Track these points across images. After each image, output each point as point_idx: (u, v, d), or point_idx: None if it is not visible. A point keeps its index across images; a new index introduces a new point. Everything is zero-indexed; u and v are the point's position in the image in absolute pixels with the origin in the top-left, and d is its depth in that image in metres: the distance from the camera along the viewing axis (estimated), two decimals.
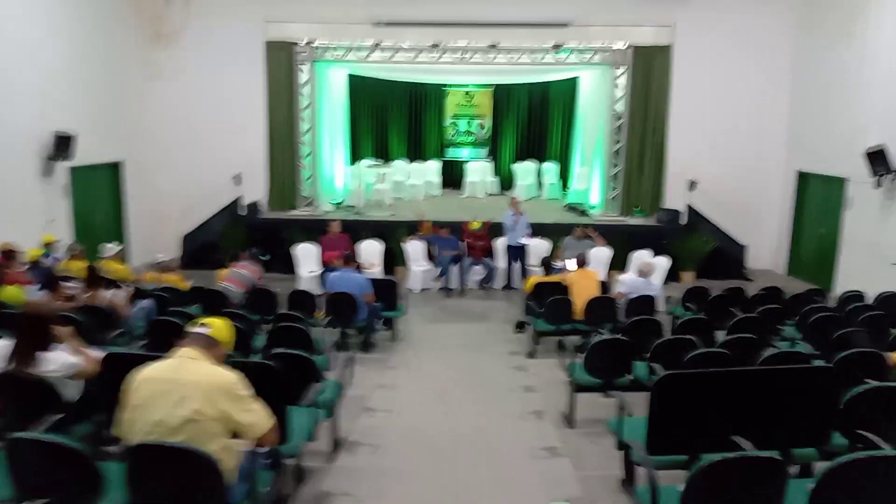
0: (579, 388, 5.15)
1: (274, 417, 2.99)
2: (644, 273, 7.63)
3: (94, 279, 6.85)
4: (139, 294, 7.23)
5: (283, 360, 4.13)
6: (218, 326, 3.07)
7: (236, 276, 7.94)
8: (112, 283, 7.35)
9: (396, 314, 8.46)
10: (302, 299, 7.60)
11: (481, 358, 7.57)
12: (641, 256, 10.92)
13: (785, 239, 13.09)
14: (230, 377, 2.90)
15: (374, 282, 8.32)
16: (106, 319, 6.08)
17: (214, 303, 7.57)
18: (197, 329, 3.03)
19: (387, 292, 8.28)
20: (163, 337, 5.08)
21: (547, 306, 7.47)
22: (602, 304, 7.52)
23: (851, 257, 11.17)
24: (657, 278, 7.74)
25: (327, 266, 8.29)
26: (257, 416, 2.92)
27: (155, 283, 8.28)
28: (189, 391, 2.78)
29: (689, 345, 5.04)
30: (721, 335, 6.07)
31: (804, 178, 12.71)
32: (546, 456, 4.43)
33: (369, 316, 7.62)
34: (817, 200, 12.39)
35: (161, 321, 5.42)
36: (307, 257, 11.26)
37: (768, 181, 13.21)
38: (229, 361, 3.23)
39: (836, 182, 11.57)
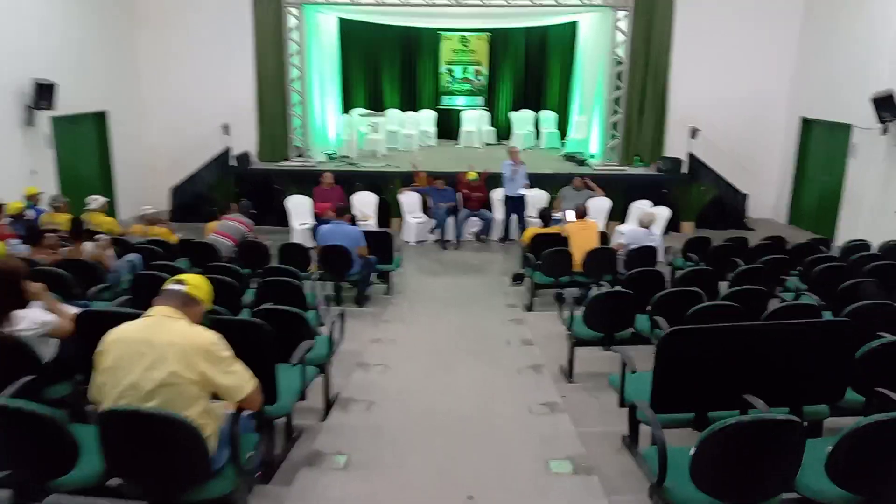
0: (578, 342, 5.00)
1: (256, 379, 2.80)
2: (644, 223, 7.42)
3: (78, 232, 6.62)
4: (125, 247, 7.01)
5: (273, 317, 3.94)
6: (195, 283, 2.85)
7: (226, 229, 7.71)
8: (96, 236, 7.14)
9: (391, 267, 8.27)
10: (294, 253, 7.38)
11: (478, 311, 7.42)
12: (641, 206, 10.71)
13: (787, 188, 12.85)
14: (209, 337, 2.70)
15: (368, 234, 8.10)
16: (90, 273, 5.87)
17: (203, 256, 7.36)
18: (172, 286, 2.81)
19: (381, 245, 8.07)
20: (147, 292, 4.83)
21: (545, 258, 7.28)
22: (601, 256, 7.34)
23: (855, 206, 10.96)
24: (657, 228, 7.54)
25: (320, 218, 8.04)
26: (238, 379, 2.73)
27: (142, 237, 8.05)
28: (165, 352, 2.58)
29: (692, 297, 4.86)
30: (724, 287, 5.91)
31: (808, 125, 12.40)
32: (545, 412, 4.30)
33: (363, 269, 7.42)
34: (821, 148, 12.11)
35: (145, 275, 5.21)
36: (299, 209, 11.01)
37: (771, 128, 12.92)
38: (214, 319, 3.04)
39: (841, 129, 11.28)
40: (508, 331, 6.43)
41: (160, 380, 2.56)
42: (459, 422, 4.23)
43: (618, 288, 5.00)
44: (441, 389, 4.79)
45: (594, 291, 5.02)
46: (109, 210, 11.73)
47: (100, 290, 5.36)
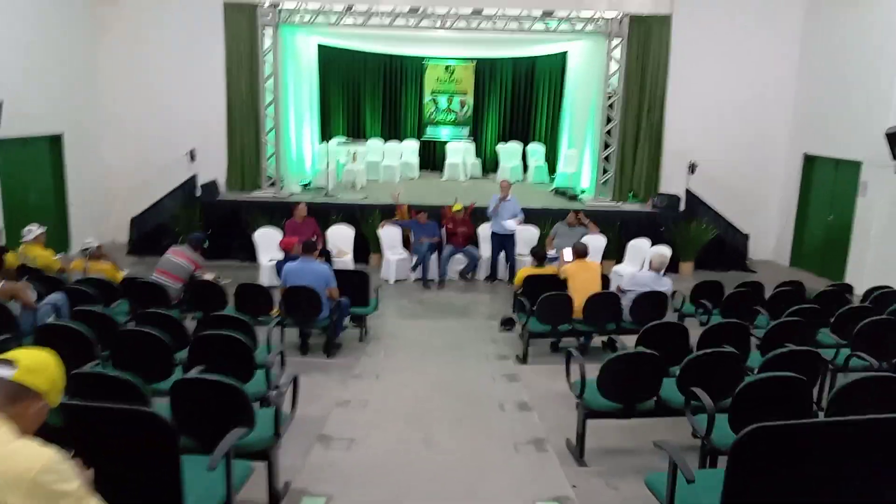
0: (591, 413, 4.08)
1: None
2: (656, 267, 6.57)
3: None
4: (54, 286, 6.01)
5: (200, 389, 3.00)
6: (32, 364, 1.88)
7: (168, 267, 6.69)
8: (22, 272, 6.16)
9: (367, 310, 7.33)
10: (253, 294, 6.42)
11: (465, 363, 6.48)
12: (642, 246, 9.94)
13: (789, 228, 12.15)
14: (41, 459, 1.75)
15: (341, 273, 7.19)
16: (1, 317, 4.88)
17: (147, 298, 6.38)
18: None
19: (356, 285, 7.15)
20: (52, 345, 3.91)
21: (540, 303, 6.39)
22: (605, 301, 6.47)
23: (864, 248, 10.26)
24: (662, 270, 6.71)
25: (287, 254, 7.10)
26: None
27: (82, 273, 7.06)
28: None
29: (728, 361, 3.99)
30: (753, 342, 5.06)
31: (811, 162, 11.77)
32: None
33: (333, 314, 6.47)
34: (825, 186, 11.46)
35: (51, 327, 4.22)
36: (269, 244, 10.04)
37: (772, 165, 12.28)
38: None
39: (848, 166, 10.65)
40: (501, 390, 5.50)
41: None
42: None
43: (640, 349, 4.12)
44: (419, 474, 3.83)
45: (612, 354, 4.09)
46: (63, 241, 10.77)
47: (2, 340, 4.35)
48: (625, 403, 4.00)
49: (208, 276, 7.48)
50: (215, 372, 3.52)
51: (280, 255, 7.74)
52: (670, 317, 6.92)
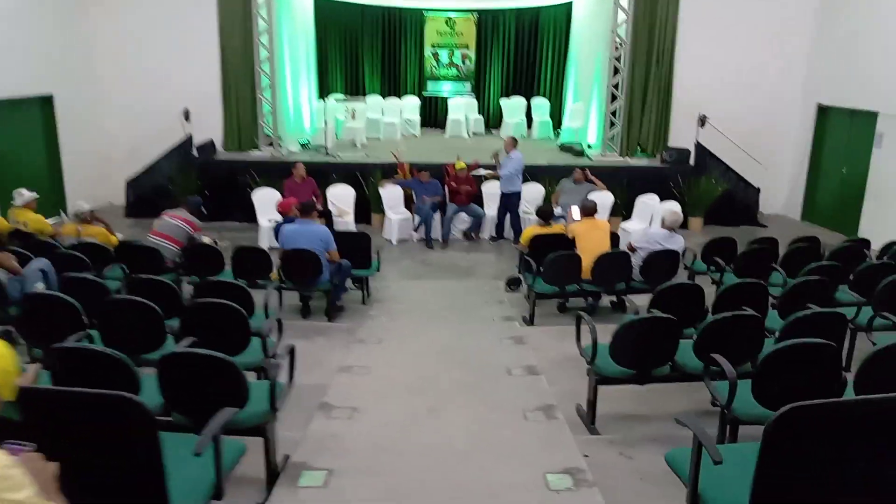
0: (603, 379, 3.89)
1: None
2: (669, 225, 6.32)
3: None
4: (44, 250, 5.81)
5: (189, 364, 2.81)
6: None
7: (166, 230, 6.49)
8: (14, 238, 5.98)
9: (368, 272, 7.14)
10: (251, 257, 6.21)
11: (470, 326, 6.30)
12: (652, 203, 9.68)
13: (801, 181, 11.84)
14: None
15: (342, 235, 6.99)
16: None
17: (143, 263, 6.20)
18: None
19: (357, 247, 6.94)
20: (42, 318, 3.73)
21: (548, 264, 6.17)
22: (615, 261, 6.26)
23: (880, 202, 9.97)
24: (676, 228, 6.46)
25: (284, 216, 6.87)
26: None
27: (75, 238, 6.85)
28: None
29: (748, 324, 3.78)
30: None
31: (824, 113, 11.39)
32: (568, 485, 3.19)
33: (333, 277, 6.28)
34: (840, 138, 11.10)
35: (38, 296, 4.02)
36: (268, 205, 9.81)
37: (784, 116, 11.90)
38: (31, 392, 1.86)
39: (864, 116, 10.29)
40: (508, 354, 5.32)
41: None
42: (455, 495, 3.14)
43: (655, 312, 3.90)
44: (425, 446, 3.67)
45: (626, 318, 3.87)
46: (58, 206, 10.53)
47: None
48: (638, 369, 3.81)
49: (206, 240, 7.28)
50: (208, 342, 3.34)
51: (279, 217, 7.49)
52: (681, 275, 6.73)
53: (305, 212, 6.26)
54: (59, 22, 10.70)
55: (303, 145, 12.49)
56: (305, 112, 13.49)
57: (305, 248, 6.01)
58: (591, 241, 6.47)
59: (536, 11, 14.99)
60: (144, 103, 11.60)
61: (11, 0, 9.61)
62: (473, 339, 5.74)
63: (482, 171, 10.40)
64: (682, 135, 11.69)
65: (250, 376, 3.78)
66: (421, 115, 15.03)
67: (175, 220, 6.52)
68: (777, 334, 3.84)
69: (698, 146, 11.35)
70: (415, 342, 5.64)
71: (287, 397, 3.46)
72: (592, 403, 3.94)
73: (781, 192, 12.02)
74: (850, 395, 3.12)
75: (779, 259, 6.71)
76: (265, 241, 9.27)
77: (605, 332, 5.48)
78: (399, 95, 15.24)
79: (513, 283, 7.87)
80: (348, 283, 7.27)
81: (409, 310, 6.96)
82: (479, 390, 4.45)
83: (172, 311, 4.14)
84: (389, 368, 4.90)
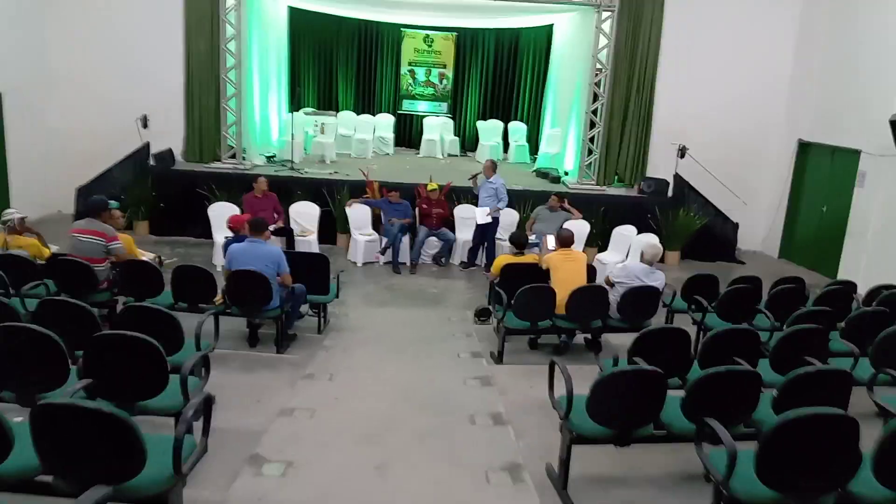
0: (579, 438, 3.39)
1: None
2: (648, 259, 5.89)
3: None
4: None
5: (67, 418, 2.24)
6: None
7: (77, 250, 5.66)
8: None
9: (326, 299, 6.58)
10: (193, 278, 5.62)
11: (433, 362, 5.77)
12: (628, 234, 9.31)
13: (780, 217, 11.58)
14: None
15: (297, 256, 6.44)
16: None
17: (73, 279, 5.58)
18: None
19: (313, 270, 6.39)
20: None
21: (519, 297, 5.69)
22: (591, 296, 5.80)
23: (860, 241, 9.72)
24: (654, 264, 6.04)
25: (235, 233, 6.29)
26: None
27: (1, 248, 6.20)
28: None
29: (745, 381, 3.33)
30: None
31: (805, 149, 11.18)
32: None
33: (285, 303, 5.71)
34: (820, 175, 10.89)
35: None
36: (224, 219, 9.19)
37: (764, 151, 11.68)
38: None
39: (846, 154, 10.09)
40: (472, 397, 4.80)
41: None
42: None
43: (641, 364, 3.42)
44: None
45: (606, 370, 3.38)
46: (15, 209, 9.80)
47: None
48: (619, 429, 3.32)
49: (146, 256, 6.65)
50: (115, 383, 2.78)
51: (226, 235, 6.91)
52: (659, 313, 6.31)
53: (257, 229, 5.70)
54: (11, 17, 10.05)
55: (268, 158, 11.94)
56: (274, 124, 12.95)
57: (254, 269, 5.45)
58: (566, 273, 6.02)
59: (517, 33, 14.71)
60: (101, 106, 10.95)
61: None
62: (436, 378, 5.21)
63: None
64: (660, 165, 11.40)
65: (167, 423, 3.23)
66: (395, 134, 14.59)
67: (84, 237, 5.69)
68: (776, 393, 3.39)
69: (677, 177, 11.05)
70: (370, 380, 5.10)
71: (198, 460, 2.87)
72: (565, 464, 3.44)
73: (760, 228, 11.76)
74: (866, 475, 2.67)
75: (762, 300, 6.34)
76: (220, 258, 8.66)
77: (580, 376, 5.01)
78: (373, 112, 14.78)
79: (482, 315, 7.39)
80: (305, 308, 6.72)
81: (367, 341, 6.41)
82: (438, 442, 3.92)
83: (84, 339, 3.55)
84: (337, 411, 4.35)
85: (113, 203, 6.27)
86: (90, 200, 6.18)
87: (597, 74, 11.04)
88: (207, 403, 2.99)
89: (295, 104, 13.91)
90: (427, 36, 14.88)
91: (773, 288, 6.56)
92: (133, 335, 3.06)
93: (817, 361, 3.84)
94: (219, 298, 5.70)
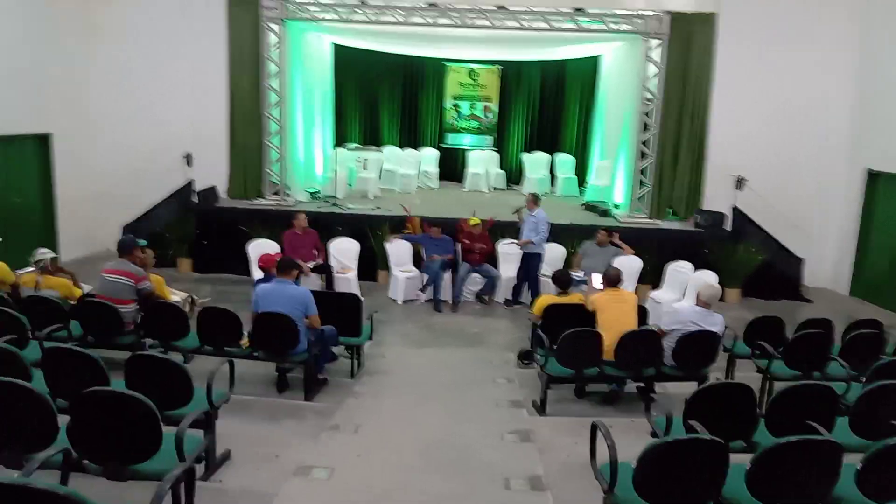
0: None
1: None
2: (705, 300, 5.39)
3: None
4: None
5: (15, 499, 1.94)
6: None
7: (106, 290, 5.56)
8: None
9: (358, 341, 6.27)
10: (219, 320, 5.39)
11: (470, 412, 5.36)
12: (685, 271, 8.74)
13: (849, 252, 10.78)
14: None
15: (328, 296, 6.19)
16: None
17: (101, 321, 5.43)
18: None
19: (345, 311, 6.10)
20: None
21: (563, 342, 5.25)
22: (642, 342, 5.33)
23: None
24: (713, 305, 5.52)
25: (266, 272, 6.07)
26: None
27: (32, 289, 6.12)
28: None
29: (823, 452, 2.82)
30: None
31: (875, 178, 10.42)
32: None
33: (313, 346, 5.42)
34: (893, 206, 10.09)
35: None
36: None
37: (830, 181, 10.91)
38: None
39: None
40: (509, 456, 4.37)
41: None
42: None
43: (698, 430, 2.94)
44: None
45: (655, 440, 2.91)
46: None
47: None
48: None
49: (178, 297, 6.49)
50: (101, 444, 2.49)
51: (257, 275, 6.70)
52: (720, 358, 5.76)
53: (284, 269, 5.44)
54: (58, 56, 10.29)
55: (312, 194, 11.85)
56: (318, 160, 12.90)
57: (280, 311, 5.18)
58: (614, 315, 5.55)
59: (562, 64, 14.40)
60: (145, 146, 11.10)
61: (11, 31, 9.22)
62: (471, 431, 4.79)
63: (513, 243, 9.45)
64: (716, 197, 10.83)
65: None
66: (439, 168, 14.37)
67: (112, 277, 5.60)
68: (860, 466, 2.86)
69: (735, 210, 10.45)
70: (399, 432, 4.72)
71: None
72: None
73: (827, 264, 10.96)
74: None
75: (834, 345, 5.72)
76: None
77: (632, 431, 4.54)
78: (417, 147, 14.64)
79: (525, 357, 6.95)
80: (340, 350, 6.43)
81: (401, 386, 6.06)
82: None
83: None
84: (358, 471, 3.97)
85: (141, 241, 6.13)
86: (120, 240, 6.07)
87: (647, 104, 10.62)
88: (189, 477, 2.66)
89: (339, 140, 13.89)
90: (471, 70, 14.72)
91: (846, 332, 5.93)
92: (122, 392, 2.78)
93: None
94: (245, 342, 5.45)
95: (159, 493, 2.32)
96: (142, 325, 5.62)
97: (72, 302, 6.13)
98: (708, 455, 2.79)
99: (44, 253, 6.35)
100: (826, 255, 10.93)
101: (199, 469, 3.66)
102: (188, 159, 10.99)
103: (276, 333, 5.20)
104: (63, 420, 3.04)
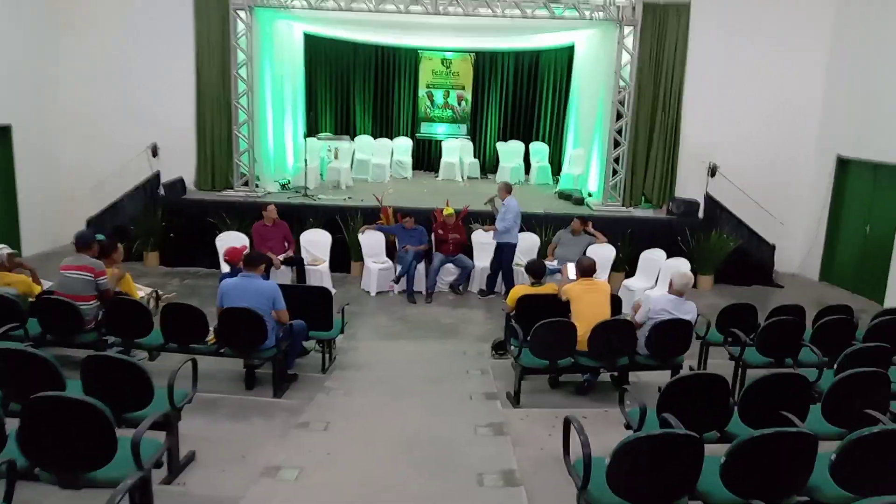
0: None
1: None
2: (678, 289, 5.36)
3: None
4: None
5: None
6: None
7: (66, 287, 5.37)
8: None
9: (329, 334, 6.15)
10: (183, 316, 5.23)
11: (443, 404, 5.29)
12: (657, 258, 8.75)
13: (819, 238, 10.88)
14: None
15: (298, 290, 6.05)
16: None
17: (60, 319, 5.24)
18: None
19: (315, 305, 5.96)
20: None
21: (536, 333, 5.19)
22: (616, 331, 5.27)
23: None
24: (686, 293, 5.49)
25: (232, 266, 5.91)
26: None
27: None
28: None
29: (798, 443, 2.78)
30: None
31: (845, 165, 10.51)
32: None
33: (281, 341, 5.29)
34: (862, 192, 10.21)
35: None
36: None
37: (801, 168, 11.01)
38: None
39: (889, 170, 9.44)
40: (483, 450, 4.30)
41: None
42: None
43: (672, 424, 2.88)
44: None
45: (630, 435, 2.84)
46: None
47: None
48: (647, 503, 2.80)
49: (143, 292, 6.31)
50: (51, 449, 2.35)
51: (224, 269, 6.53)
52: (694, 345, 5.74)
53: (250, 263, 5.29)
54: (21, 47, 9.96)
55: (283, 185, 11.65)
56: (289, 151, 12.67)
57: (246, 306, 5.04)
58: (587, 305, 5.50)
59: (536, 53, 14.32)
60: (109, 137, 10.80)
61: None
62: (443, 426, 4.71)
63: (479, 228, 9.53)
64: (690, 185, 10.85)
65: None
66: (413, 158, 14.25)
67: (71, 273, 5.42)
68: (834, 456, 2.82)
69: (708, 198, 10.47)
70: (369, 429, 4.61)
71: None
72: None
73: (798, 250, 11.07)
74: None
75: (806, 330, 5.72)
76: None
77: (606, 422, 4.51)
78: (391, 136, 14.47)
79: (500, 348, 6.90)
80: (311, 344, 6.31)
81: (373, 381, 5.96)
82: None
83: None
84: (327, 471, 3.87)
85: (99, 236, 5.93)
86: (77, 234, 5.85)
87: (620, 92, 10.57)
88: (143, 485, 2.54)
89: (311, 130, 13.67)
90: (444, 58, 14.58)
91: (817, 318, 5.95)
92: (74, 398, 2.64)
93: (879, 414, 3.27)
94: (211, 338, 5.30)
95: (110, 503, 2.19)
96: (103, 323, 5.44)
97: (31, 299, 5.91)
98: (682, 450, 2.73)
99: (3, 248, 6.11)
100: (797, 241, 11.04)
101: (161, 473, 3.54)
102: (154, 150, 10.72)
103: (243, 329, 5.06)
104: (13, 425, 2.90)
